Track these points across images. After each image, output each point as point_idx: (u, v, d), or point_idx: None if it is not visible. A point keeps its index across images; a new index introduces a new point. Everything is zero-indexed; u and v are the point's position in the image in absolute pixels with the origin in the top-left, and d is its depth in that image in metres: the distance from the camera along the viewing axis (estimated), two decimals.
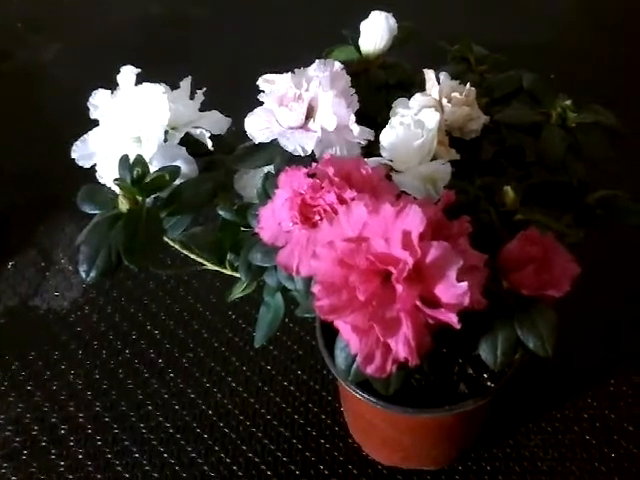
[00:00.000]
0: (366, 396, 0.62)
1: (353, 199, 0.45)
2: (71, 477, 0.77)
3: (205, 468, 0.77)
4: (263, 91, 0.57)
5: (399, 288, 0.39)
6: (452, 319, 0.40)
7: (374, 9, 0.63)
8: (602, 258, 0.88)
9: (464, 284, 0.39)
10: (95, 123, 0.59)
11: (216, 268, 0.61)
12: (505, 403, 0.79)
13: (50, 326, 0.92)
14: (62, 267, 0.99)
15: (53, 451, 0.79)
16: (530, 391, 0.82)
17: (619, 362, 0.85)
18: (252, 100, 0.57)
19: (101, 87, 0.60)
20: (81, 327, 0.92)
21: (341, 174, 0.47)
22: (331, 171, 0.47)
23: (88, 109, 0.59)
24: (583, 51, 1.29)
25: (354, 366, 0.48)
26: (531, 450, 0.77)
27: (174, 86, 0.60)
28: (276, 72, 0.58)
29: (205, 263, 0.62)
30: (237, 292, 0.63)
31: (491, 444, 0.78)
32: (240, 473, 0.76)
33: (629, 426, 0.79)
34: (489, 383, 0.65)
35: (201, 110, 0.62)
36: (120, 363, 0.87)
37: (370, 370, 0.42)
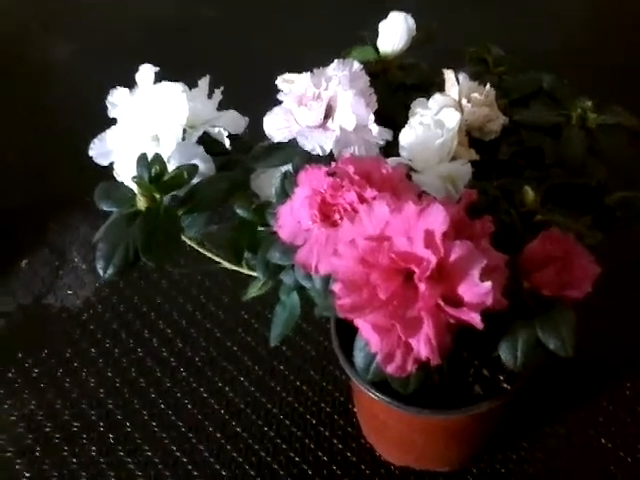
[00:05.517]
0: (382, 397, 0.61)
1: (374, 198, 0.45)
2: (84, 474, 0.77)
3: (217, 467, 0.77)
4: (280, 91, 0.57)
5: (422, 287, 0.39)
6: (475, 319, 0.39)
7: (392, 10, 0.63)
8: (622, 260, 0.87)
9: (487, 284, 0.39)
10: (108, 123, 0.59)
11: (233, 267, 0.61)
12: (520, 405, 0.78)
13: (63, 324, 0.92)
14: (75, 265, 1.00)
15: (66, 448, 0.79)
16: (545, 393, 0.81)
17: (635, 365, 0.84)
18: (267, 100, 0.57)
19: (114, 87, 0.60)
20: (94, 325, 0.92)
21: (361, 173, 0.47)
22: (351, 170, 0.46)
23: (101, 109, 0.59)
24: (597, 55, 1.28)
25: (373, 365, 0.48)
26: (545, 453, 0.77)
27: (190, 86, 0.60)
28: (291, 72, 0.58)
29: (221, 262, 0.62)
30: (253, 291, 0.63)
31: (505, 446, 0.77)
32: (252, 472, 0.76)
33: None
34: (504, 385, 0.65)
35: (218, 110, 0.62)
36: (132, 361, 0.88)
37: (390, 369, 0.42)
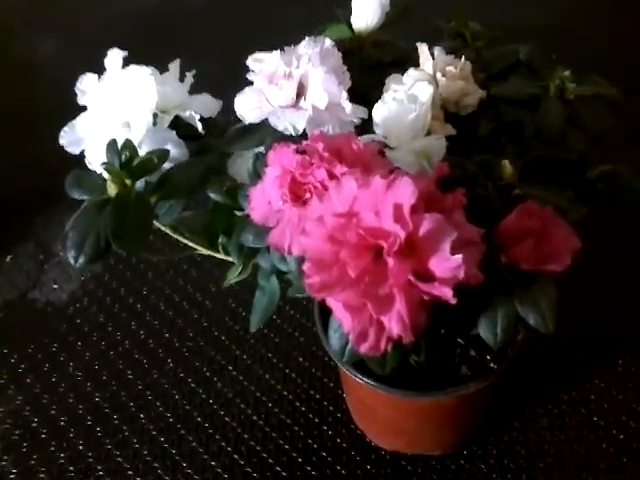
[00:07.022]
0: (366, 380, 0.60)
1: (344, 174, 0.44)
2: (71, 469, 0.76)
3: (206, 457, 0.76)
4: (252, 71, 0.56)
5: (390, 262, 0.38)
6: (447, 293, 0.38)
7: None
8: (609, 234, 0.86)
9: (458, 257, 0.38)
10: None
11: (209, 252, 0.60)
12: (511, 385, 0.78)
13: (49, 319, 0.91)
14: (60, 259, 0.98)
15: (53, 443, 0.78)
16: (536, 373, 0.80)
17: (627, 342, 0.83)
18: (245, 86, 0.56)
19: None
20: (80, 319, 0.91)
21: (331, 150, 0.46)
22: (321, 147, 0.45)
23: None
24: (583, 30, 1.26)
25: (348, 346, 0.47)
26: (538, 433, 0.76)
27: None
28: None
29: (198, 248, 0.60)
30: (232, 277, 0.61)
31: (497, 428, 0.76)
32: (241, 462, 0.75)
33: (638, 407, 0.77)
34: (492, 365, 0.64)
35: (191, 94, 0.61)
36: (119, 354, 0.87)
37: (364, 349, 0.41)
